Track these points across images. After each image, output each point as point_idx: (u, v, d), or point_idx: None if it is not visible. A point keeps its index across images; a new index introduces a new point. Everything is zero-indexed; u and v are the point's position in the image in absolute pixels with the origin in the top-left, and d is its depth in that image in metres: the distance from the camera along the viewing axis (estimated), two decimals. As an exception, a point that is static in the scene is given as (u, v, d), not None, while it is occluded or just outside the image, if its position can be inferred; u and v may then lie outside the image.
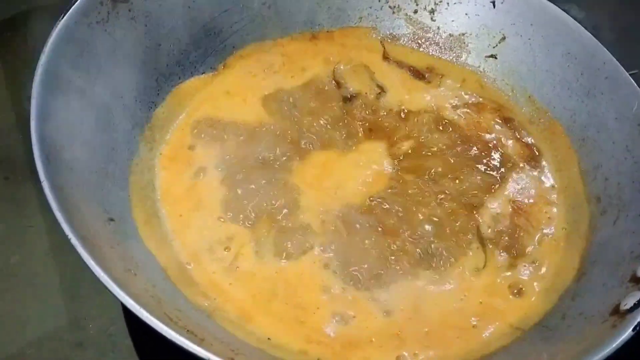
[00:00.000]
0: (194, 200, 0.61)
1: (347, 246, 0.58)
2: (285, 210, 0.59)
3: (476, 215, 0.62)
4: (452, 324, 0.55)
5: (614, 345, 0.44)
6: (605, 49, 0.65)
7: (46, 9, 0.88)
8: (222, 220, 0.59)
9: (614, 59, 0.64)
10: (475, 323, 0.55)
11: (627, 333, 0.44)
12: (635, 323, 0.45)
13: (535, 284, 0.58)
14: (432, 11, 0.75)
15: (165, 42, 0.66)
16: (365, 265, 0.57)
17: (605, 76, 0.64)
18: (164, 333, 0.40)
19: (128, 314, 0.63)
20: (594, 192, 0.62)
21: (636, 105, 0.61)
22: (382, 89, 0.71)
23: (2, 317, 0.62)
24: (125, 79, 0.62)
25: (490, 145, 0.68)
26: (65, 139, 0.52)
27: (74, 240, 0.43)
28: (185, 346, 0.40)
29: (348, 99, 0.69)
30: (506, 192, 0.64)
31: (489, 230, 0.61)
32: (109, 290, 0.42)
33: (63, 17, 0.56)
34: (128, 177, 0.59)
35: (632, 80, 0.62)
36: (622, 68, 0.63)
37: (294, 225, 0.59)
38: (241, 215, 0.59)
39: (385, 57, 0.75)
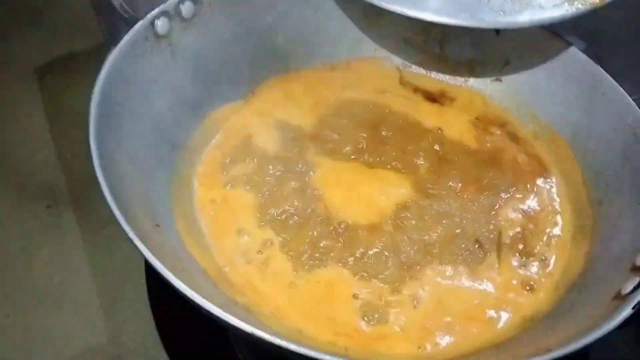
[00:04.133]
0: (228, 212, 0.66)
1: (379, 248, 0.63)
2: (317, 219, 0.65)
3: (495, 221, 0.67)
4: (471, 315, 0.59)
5: (614, 322, 0.48)
6: (601, 68, 0.70)
7: (84, 54, 0.96)
8: (255, 229, 0.65)
9: (609, 77, 0.69)
10: (491, 315, 0.60)
11: (627, 311, 0.49)
12: (635, 302, 0.49)
13: (544, 280, 0.63)
14: (441, 41, 0.82)
15: (201, 74, 0.73)
16: (395, 264, 0.62)
17: (602, 92, 0.69)
18: (213, 311, 0.46)
19: (162, 329, 0.68)
20: (596, 197, 0.67)
21: (631, 118, 0.66)
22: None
23: (47, 334, 0.68)
24: (166, 106, 0.69)
25: (501, 157, 0.73)
26: (116, 155, 0.59)
27: (132, 234, 0.49)
28: (231, 321, 0.45)
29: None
30: (517, 202, 0.69)
31: (505, 235, 0.66)
32: (166, 279, 0.48)
33: (114, 49, 0.63)
34: (170, 192, 0.65)
35: (626, 94, 0.68)
36: (617, 84, 0.69)
37: (325, 233, 0.64)
38: (274, 226, 0.65)
39: (402, 82, 0.82)
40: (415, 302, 0.60)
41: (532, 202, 0.70)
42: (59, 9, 1.03)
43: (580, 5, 0.66)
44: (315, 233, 0.64)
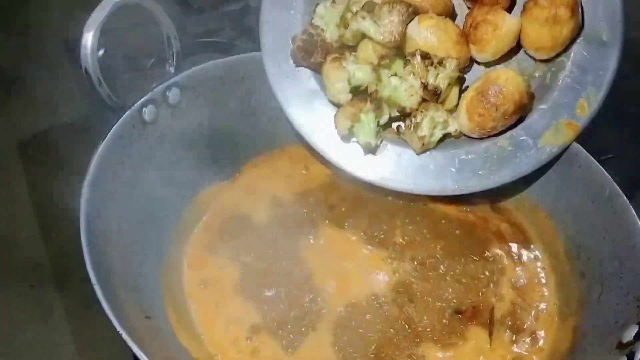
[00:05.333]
0: (218, 296, 0.67)
1: (366, 332, 0.64)
2: (305, 303, 0.66)
3: (485, 297, 0.68)
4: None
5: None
6: (575, 142, 0.73)
7: (68, 127, 0.97)
8: (244, 313, 0.65)
9: (584, 150, 0.71)
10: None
11: (616, 393, 0.50)
12: (622, 384, 0.50)
13: (534, 358, 0.63)
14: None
15: (188, 157, 0.74)
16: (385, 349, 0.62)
17: (578, 165, 0.71)
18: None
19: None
20: (579, 269, 0.68)
21: (608, 190, 0.68)
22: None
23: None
24: (154, 191, 0.70)
25: (485, 228, 0.75)
26: (107, 248, 0.59)
27: (125, 335, 0.49)
28: None
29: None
30: (505, 275, 0.71)
31: (496, 311, 0.67)
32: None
33: (102, 141, 0.64)
34: (159, 278, 0.65)
35: (601, 167, 0.69)
36: (591, 157, 0.70)
37: (312, 316, 0.65)
38: (262, 308, 0.65)
39: None
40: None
41: (519, 275, 0.71)
42: (42, 83, 1.04)
43: (553, 149, 0.69)
44: (303, 316, 0.65)
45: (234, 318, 0.65)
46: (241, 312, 0.66)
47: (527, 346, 0.64)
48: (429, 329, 0.64)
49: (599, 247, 0.67)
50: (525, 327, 0.66)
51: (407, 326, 0.65)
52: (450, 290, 0.67)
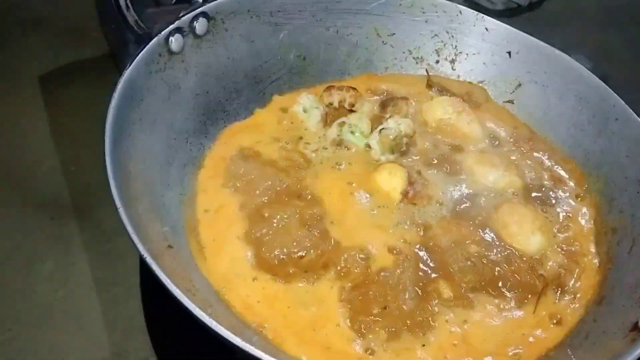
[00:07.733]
0: (225, 230, 0.64)
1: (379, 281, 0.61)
2: (313, 245, 0.62)
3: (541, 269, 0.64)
4: (493, 352, 0.57)
5: (634, 355, 0.48)
6: (614, 93, 0.70)
7: (89, 62, 0.96)
8: (246, 246, 0.63)
9: (622, 102, 0.69)
10: (514, 352, 0.58)
11: (646, 345, 0.49)
12: (653, 335, 0.49)
13: (568, 310, 0.61)
14: (453, 61, 0.82)
15: (213, 90, 0.73)
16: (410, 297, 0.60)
17: (616, 117, 0.69)
18: (229, 338, 0.45)
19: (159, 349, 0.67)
20: (610, 224, 0.67)
21: (645, 143, 0.66)
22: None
23: (50, 348, 0.66)
24: (178, 122, 0.69)
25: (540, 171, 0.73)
26: (130, 175, 0.58)
27: (149, 259, 0.48)
28: (251, 352, 0.44)
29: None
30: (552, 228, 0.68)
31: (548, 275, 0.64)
32: (179, 302, 0.47)
33: (128, 67, 0.63)
34: (181, 210, 0.65)
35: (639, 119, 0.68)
36: (630, 110, 0.69)
37: (324, 256, 0.62)
38: (266, 244, 0.62)
39: (429, 84, 0.81)
40: (435, 335, 0.58)
41: (561, 229, 0.68)
42: (62, 18, 1.03)
43: None
44: (308, 254, 0.62)
45: (238, 252, 0.62)
46: (245, 245, 0.63)
47: (565, 301, 0.62)
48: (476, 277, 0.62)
49: (632, 201, 0.66)
50: (566, 287, 0.63)
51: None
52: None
